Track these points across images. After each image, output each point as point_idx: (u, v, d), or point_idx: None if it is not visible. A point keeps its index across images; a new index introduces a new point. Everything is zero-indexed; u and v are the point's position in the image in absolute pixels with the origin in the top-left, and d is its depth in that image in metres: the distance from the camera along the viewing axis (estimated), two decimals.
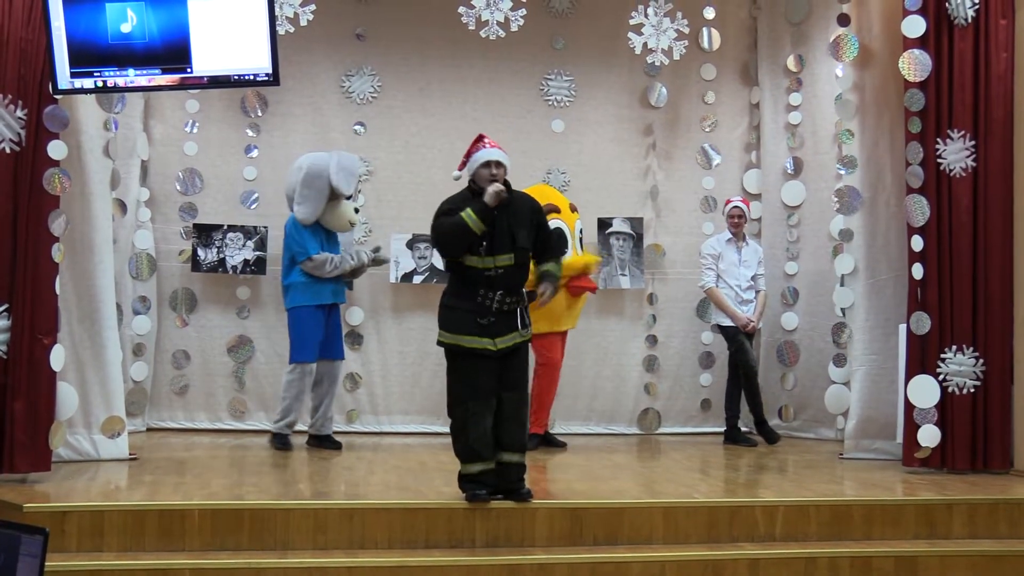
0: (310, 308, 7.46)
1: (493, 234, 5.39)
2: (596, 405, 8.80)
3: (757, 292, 8.37)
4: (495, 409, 5.41)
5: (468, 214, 5.34)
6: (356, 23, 8.76)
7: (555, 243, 5.75)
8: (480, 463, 5.40)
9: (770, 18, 9.12)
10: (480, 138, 5.64)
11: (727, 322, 8.24)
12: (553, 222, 7.64)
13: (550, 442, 7.90)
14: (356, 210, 7.76)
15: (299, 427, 7.95)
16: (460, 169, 5.64)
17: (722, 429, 8.39)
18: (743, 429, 8.48)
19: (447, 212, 5.44)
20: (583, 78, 9.02)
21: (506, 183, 5.50)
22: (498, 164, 5.46)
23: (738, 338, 8.21)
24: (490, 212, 5.37)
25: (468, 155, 5.60)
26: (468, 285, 5.43)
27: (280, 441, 7.44)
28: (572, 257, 7.65)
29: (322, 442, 7.58)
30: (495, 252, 5.39)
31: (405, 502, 5.38)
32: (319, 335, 7.48)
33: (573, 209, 7.98)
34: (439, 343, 5.55)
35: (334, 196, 7.50)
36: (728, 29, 9.14)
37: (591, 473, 6.84)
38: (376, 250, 7.93)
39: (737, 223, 8.36)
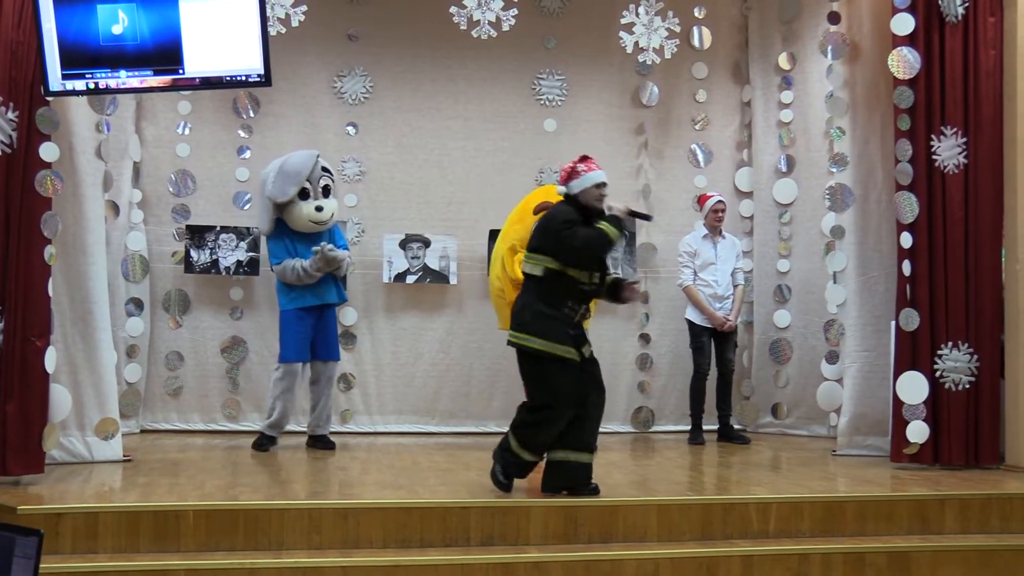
0: (292, 311, 7.48)
1: None
2: None
3: (735, 286, 8.38)
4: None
5: (610, 228, 5.57)
6: (348, 24, 8.76)
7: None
8: (535, 456, 5.65)
9: (761, 16, 9.15)
10: (585, 158, 5.84)
11: (697, 319, 8.27)
12: None
13: None
14: (318, 208, 7.47)
15: (298, 428, 7.98)
16: (563, 183, 5.81)
17: (716, 427, 8.40)
18: (736, 427, 8.50)
19: (573, 223, 5.59)
20: (575, 77, 9.04)
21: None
22: (605, 184, 5.75)
23: (701, 339, 8.26)
24: (623, 229, 5.71)
25: (572, 172, 5.78)
26: (561, 296, 5.65)
27: (260, 440, 7.46)
28: None
29: (316, 442, 7.60)
30: (592, 268, 5.70)
31: (399, 501, 5.39)
32: (302, 337, 7.47)
33: None
34: (527, 347, 5.61)
35: (286, 201, 7.43)
36: (719, 28, 9.16)
37: None
38: (321, 247, 7.42)
39: (720, 218, 8.37)
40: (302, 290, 7.46)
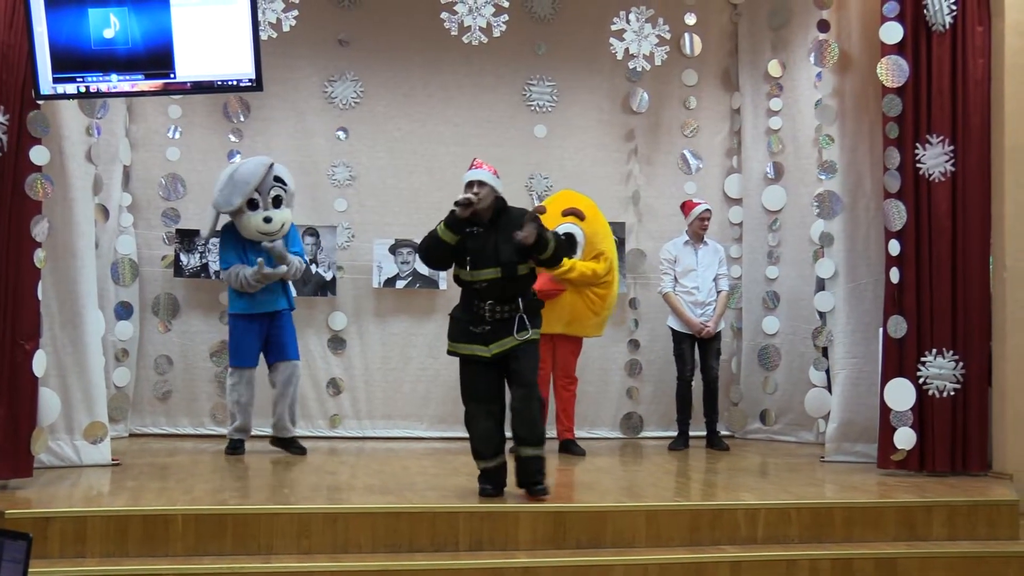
0: (238, 316, 7.46)
1: (477, 250, 5.68)
2: (579, 409, 8.75)
3: (718, 292, 8.38)
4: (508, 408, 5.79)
5: (440, 225, 5.72)
6: (339, 29, 8.77)
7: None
8: (482, 461, 5.78)
9: (751, 24, 9.18)
10: (472, 162, 5.92)
11: (679, 326, 8.28)
12: (564, 227, 7.65)
13: (569, 450, 7.91)
14: (266, 219, 7.35)
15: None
16: None
17: (703, 433, 8.41)
18: (724, 433, 8.53)
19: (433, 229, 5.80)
20: (565, 83, 9.06)
21: (501, 201, 5.79)
22: (479, 183, 5.73)
23: (682, 346, 8.26)
24: (460, 223, 5.68)
25: None
26: (465, 296, 5.82)
27: (232, 445, 7.48)
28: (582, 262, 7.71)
29: (284, 445, 7.56)
30: (479, 267, 5.68)
31: (388, 506, 5.39)
32: (248, 341, 7.45)
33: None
34: (448, 352, 5.91)
35: (236, 209, 7.39)
36: (709, 35, 9.19)
37: (574, 477, 6.87)
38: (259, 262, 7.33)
39: (706, 226, 8.38)
40: (247, 296, 7.42)
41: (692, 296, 8.26)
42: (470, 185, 5.73)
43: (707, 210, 8.39)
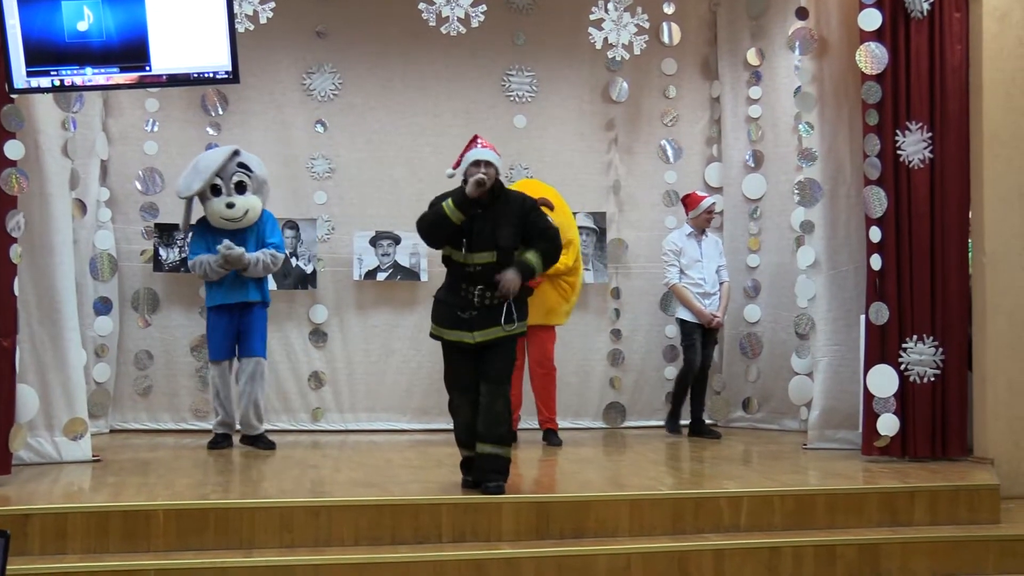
0: (211, 309, 7.48)
1: (475, 231, 5.50)
2: (561, 400, 8.73)
3: (720, 284, 8.40)
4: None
5: (448, 203, 5.48)
6: (316, 20, 8.72)
7: (542, 234, 5.62)
8: (465, 449, 5.70)
9: (729, 12, 9.19)
10: (474, 138, 5.75)
11: (689, 317, 8.27)
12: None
13: (548, 440, 7.90)
14: (229, 205, 7.28)
15: (272, 427, 7.96)
16: (454, 168, 5.73)
17: (687, 422, 8.43)
18: (708, 422, 8.57)
19: (434, 204, 5.60)
20: (544, 73, 9.04)
21: (499, 184, 5.62)
22: (487, 164, 5.53)
23: (693, 336, 8.25)
24: (469, 202, 5.47)
25: (462, 155, 5.69)
26: (453, 280, 5.63)
27: (215, 439, 7.45)
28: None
29: (252, 442, 7.46)
30: (475, 249, 5.51)
31: (371, 499, 5.38)
32: (219, 334, 7.43)
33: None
34: (430, 334, 5.76)
35: (203, 197, 7.37)
36: (688, 24, 9.19)
37: (557, 467, 6.87)
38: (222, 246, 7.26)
39: (712, 219, 8.42)
40: (217, 288, 7.39)
41: (699, 288, 8.25)
42: (477, 164, 5.51)
43: (714, 203, 8.42)
